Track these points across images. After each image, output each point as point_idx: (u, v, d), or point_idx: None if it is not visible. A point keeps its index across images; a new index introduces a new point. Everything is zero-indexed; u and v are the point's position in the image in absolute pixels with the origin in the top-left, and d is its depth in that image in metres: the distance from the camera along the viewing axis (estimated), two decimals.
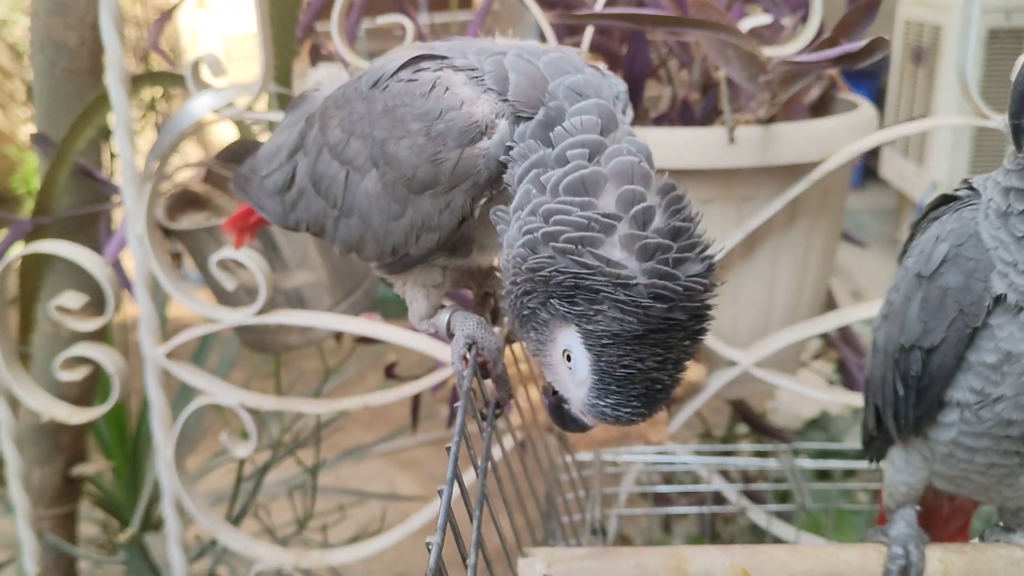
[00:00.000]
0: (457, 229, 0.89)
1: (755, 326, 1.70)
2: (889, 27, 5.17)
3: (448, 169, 0.84)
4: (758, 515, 1.65)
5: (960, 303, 0.84)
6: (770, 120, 1.61)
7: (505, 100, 0.85)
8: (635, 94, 1.67)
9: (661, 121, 1.77)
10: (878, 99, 5.53)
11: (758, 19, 1.48)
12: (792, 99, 1.60)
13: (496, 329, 1.14)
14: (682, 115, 1.72)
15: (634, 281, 0.71)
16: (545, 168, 0.80)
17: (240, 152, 1.18)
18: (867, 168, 5.70)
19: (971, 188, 0.89)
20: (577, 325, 0.74)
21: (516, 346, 1.68)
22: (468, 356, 0.96)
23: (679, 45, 1.77)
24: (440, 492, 0.74)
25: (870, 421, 1.02)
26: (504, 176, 0.85)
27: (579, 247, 0.73)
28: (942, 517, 1.10)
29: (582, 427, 0.86)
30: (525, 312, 0.79)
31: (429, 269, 0.99)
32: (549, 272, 0.75)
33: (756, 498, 1.79)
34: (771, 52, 1.45)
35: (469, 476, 1.41)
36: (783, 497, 1.79)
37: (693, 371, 1.66)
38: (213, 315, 1.69)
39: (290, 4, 1.73)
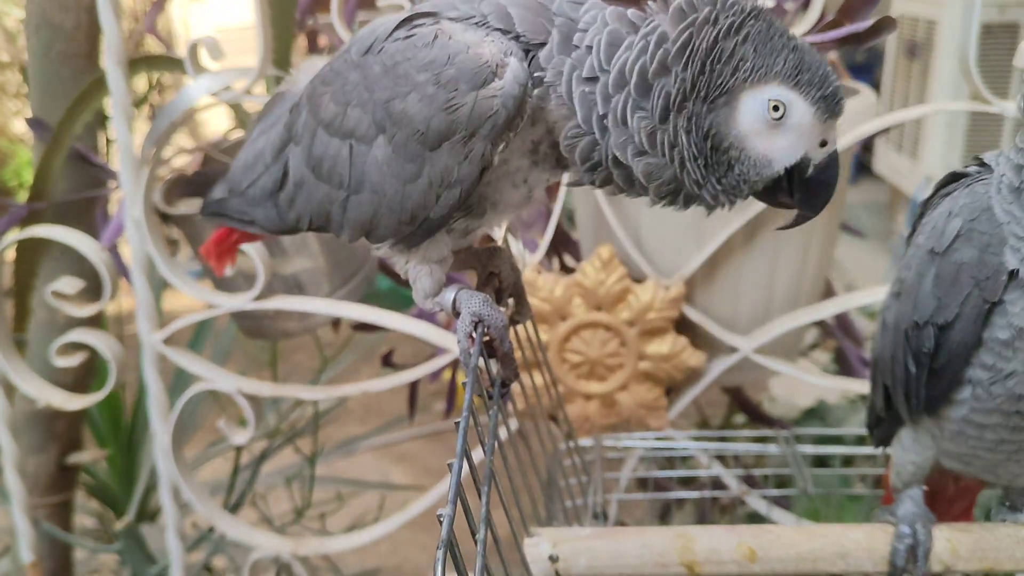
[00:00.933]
0: (478, 182, 0.87)
1: (755, 312, 1.70)
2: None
3: (465, 115, 0.82)
4: (758, 502, 1.65)
5: (976, 278, 0.83)
6: None
7: (514, 37, 0.84)
8: None
9: None
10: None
11: (761, 2, 1.47)
12: None
13: (500, 309, 1.14)
14: None
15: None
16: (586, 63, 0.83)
17: (202, 183, 1.13)
18: (861, 163, 5.71)
19: (982, 164, 0.89)
20: (784, 76, 0.78)
21: (520, 331, 1.68)
22: (474, 334, 0.95)
23: None
24: (450, 465, 0.74)
25: (878, 402, 1.02)
26: (550, 107, 0.85)
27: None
28: (947, 498, 1.10)
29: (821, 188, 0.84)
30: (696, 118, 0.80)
31: (436, 242, 0.97)
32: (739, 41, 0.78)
33: (756, 485, 1.79)
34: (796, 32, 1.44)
35: (474, 456, 1.40)
36: (783, 483, 1.79)
37: (693, 357, 1.66)
38: (211, 300, 1.68)
39: None
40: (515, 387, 1.69)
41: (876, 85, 5.32)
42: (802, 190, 0.85)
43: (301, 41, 2.09)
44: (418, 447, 3.63)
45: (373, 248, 0.99)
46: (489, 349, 0.98)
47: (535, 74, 0.85)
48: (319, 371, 2.24)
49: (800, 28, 1.47)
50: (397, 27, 0.88)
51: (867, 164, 5.44)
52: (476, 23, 0.86)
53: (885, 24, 1.18)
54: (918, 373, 0.90)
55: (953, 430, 0.92)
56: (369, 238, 0.95)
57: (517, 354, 1.62)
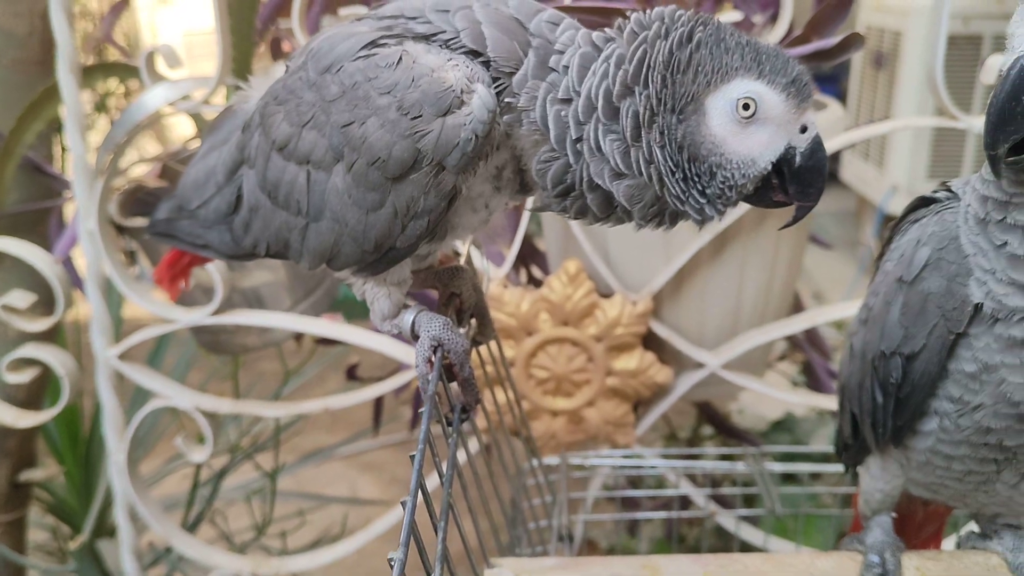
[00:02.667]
0: (447, 211, 0.84)
1: (723, 328, 1.68)
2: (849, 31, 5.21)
3: (431, 142, 0.79)
4: (727, 519, 1.64)
5: (942, 308, 0.82)
6: None
7: (485, 61, 0.82)
8: None
9: None
10: (840, 103, 5.59)
11: (727, 16, 1.46)
12: None
13: (462, 330, 1.11)
14: None
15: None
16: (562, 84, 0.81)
17: (148, 201, 1.08)
18: (828, 171, 5.76)
19: (949, 191, 0.87)
20: (744, 70, 0.77)
21: (483, 348, 1.65)
22: (433, 359, 0.92)
23: None
24: (404, 503, 0.71)
25: (846, 429, 1.00)
26: (519, 133, 0.84)
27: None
28: (916, 522, 1.09)
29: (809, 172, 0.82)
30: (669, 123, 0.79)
31: (398, 265, 0.94)
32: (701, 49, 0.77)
33: (724, 502, 1.77)
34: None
35: (433, 481, 1.37)
36: (751, 501, 1.77)
37: (660, 373, 1.64)
38: (168, 315, 1.64)
39: None
40: (481, 405, 1.66)
41: (843, 95, 5.36)
42: (795, 182, 0.82)
43: (265, 48, 2.04)
44: (386, 456, 3.59)
45: (333, 273, 0.95)
46: (449, 374, 0.96)
47: (505, 100, 0.83)
48: (282, 384, 2.19)
49: (769, 41, 1.46)
50: (362, 48, 0.85)
51: (834, 172, 5.48)
52: (446, 40, 0.83)
53: (852, 41, 1.17)
54: (885, 403, 0.89)
55: (920, 460, 0.91)
56: (330, 265, 0.91)
57: (482, 372, 1.60)
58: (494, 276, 1.65)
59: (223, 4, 1.50)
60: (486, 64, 0.82)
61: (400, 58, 0.82)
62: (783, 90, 0.79)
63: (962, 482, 0.90)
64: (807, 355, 2.07)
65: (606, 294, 1.64)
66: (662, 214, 0.85)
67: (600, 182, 0.82)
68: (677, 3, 1.39)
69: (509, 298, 1.61)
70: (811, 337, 2.08)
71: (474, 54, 0.82)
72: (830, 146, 1.55)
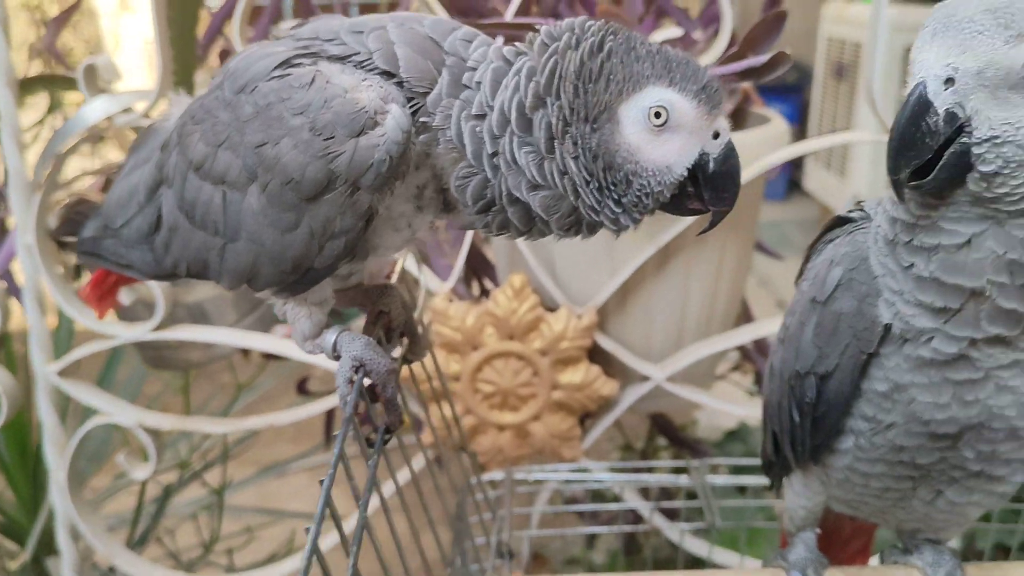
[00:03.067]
0: (364, 231, 0.84)
1: (669, 340, 1.69)
2: (812, 44, 5.28)
3: (344, 163, 0.79)
4: (673, 532, 1.64)
5: (854, 329, 0.82)
6: None
7: (398, 82, 0.82)
8: None
9: None
10: (802, 113, 5.65)
11: (668, 32, 1.47)
12: None
13: (396, 351, 1.10)
14: None
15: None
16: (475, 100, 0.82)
17: (77, 219, 1.06)
18: (791, 180, 5.82)
19: (864, 211, 0.88)
20: (655, 78, 0.78)
21: (428, 362, 1.64)
22: (355, 379, 0.91)
23: None
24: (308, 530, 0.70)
25: (768, 447, 1.00)
26: (437, 152, 0.83)
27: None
28: (843, 537, 1.10)
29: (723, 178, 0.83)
30: (583, 136, 0.79)
31: (319, 285, 0.93)
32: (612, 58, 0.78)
33: (674, 514, 1.77)
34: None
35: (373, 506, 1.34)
36: (699, 514, 1.77)
37: (606, 386, 1.64)
38: (108, 331, 1.61)
39: (190, 5, 1.66)
40: (425, 419, 1.65)
41: (806, 105, 5.42)
42: (710, 188, 0.83)
43: (213, 60, 2.02)
44: (351, 466, 3.55)
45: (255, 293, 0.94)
46: (372, 395, 0.95)
47: (421, 120, 0.83)
48: (232, 400, 2.17)
49: (708, 58, 1.47)
50: (275, 68, 0.84)
51: (797, 181, 5.54)
52: (360, 62, 0.83)
53: (781, 59, 1.18)
54: (802, 422, 0.89)
55: (840, 477, 0.91)
56: (251, 286, 0.90)
57: (425, 386, 1.59)
58: (439, 290, 1.64)
59: (162, 16, 1.49)
60: (400, 84, 0.82)
61: (313, 78, 0.81)
62: (694, 97, 0.79)
63: (880, 499, 0.91)
64: (757, 365, 2.08)
65: (552, 308, 1.64)
66: (580, 224, 0.85)
67: (518, 194, 0.82)
68: (617, 20, 1.40)
69: (454, 313, 1.60)
70: (761, 347, 2.09)
71: (388, 75, 0.82)
72: (772, 160, 1.56)
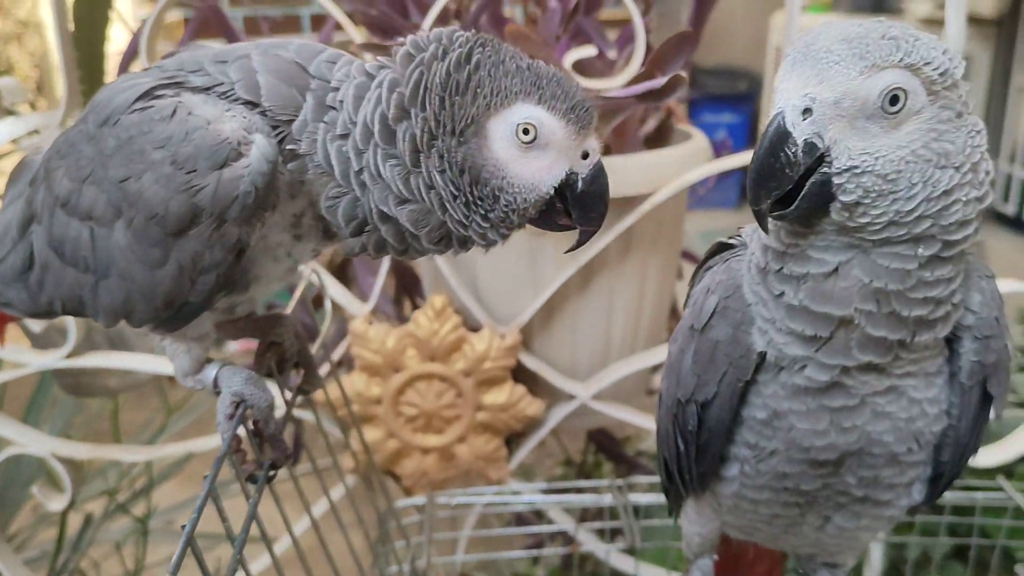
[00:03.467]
0: (236, 263, 0.82)
1: (594, 358, 1.68)
2: (763, 53, 5.34)
3: (208, 196, 0.77)
4: (601, 549, 1.63)
5: (730, 356, 0.82)
6: (606, 153, 1.60)
7: (262, 112, 0.80)
8: None
9: None
10: (753, 122, 5.71)
11: (583, 51, 1.47)
12: (624, 131, 1.59)
13: (291, 380, 1.08)
14: None
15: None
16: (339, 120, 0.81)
17: None
18: (744, 188, 5.86)
19: (742, 238, 0.87)
20: (524, 95, 0.78)
21: (348, 386, 1.62)
22: (235, 416, 0.89)
23: None
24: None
25: (662, 473, 0.99)
26: (308, 178, 0.82)
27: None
28: (748, 561, 1.09)
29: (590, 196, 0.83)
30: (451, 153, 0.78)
31: (196, 321, 0.90)
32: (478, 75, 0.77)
33: (615, 531, 1.76)
34: (596, 85, 1.43)
35: (285, 540, 1.31)
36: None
37: (531, 406, 1.63)
38: (19, 359, 1.57)
39: (96, 24, 1.62)
40: (350, 441, 1.63)
41: (757, 113, 5.48)
42: (577, 207, 0.83)
43: None
44: (304, 484, 3.51)
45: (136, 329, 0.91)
46: (256, 430, 0.93)
47: (288, 147, 0.81)
48: (159, 430, 2.12)
49: (623, 78, 1.47)
50: (137, 99, 0.82)
51: None
52: (223, 92, 0.81)
53: (677, 81, 1.17)
54: (687, 450, 0.89)
55: (729, 504, 0.91)
56: (128, 322, 0.87)
57: (347, 411, 1.57)
58: (358, 313, 1.62)
59: (67, 37, 1.46)
60: (264, 114, 0.80)
61: (175, 110, 0.79)
62: (563, 116, 0.79)
63: (771, 525, 0.91)
64: None
65: (475, 328, 1.62)
66: (449, 238, 0.84)
67: (386, 210, 0.81)
68: (528, 40, 1.39)
69: (374, 335, 1.58)
70: None
71: (251, 104, 0.80)
72: (690, 178, 1.56)
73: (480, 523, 1.83)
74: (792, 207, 0.72)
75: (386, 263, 1.65)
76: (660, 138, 1.79)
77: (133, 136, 0.79)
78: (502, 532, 1.61)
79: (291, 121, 0.81)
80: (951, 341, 0.82)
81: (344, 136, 0.80)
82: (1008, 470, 1.72)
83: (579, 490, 1.71)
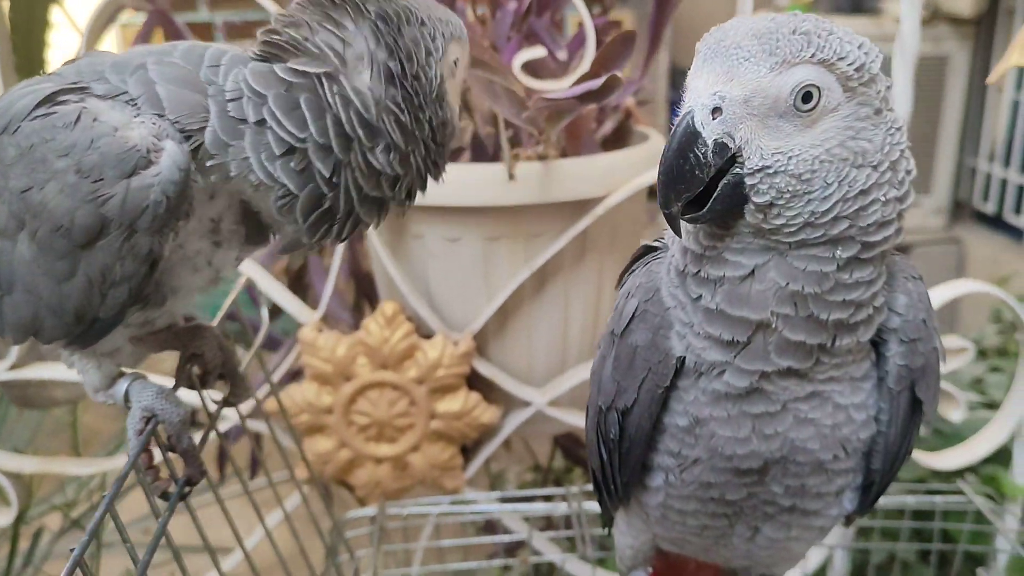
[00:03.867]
0: (150, 275, 0.80)
1: (552, 364, 1.65)
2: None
3: (116, 206, 0.74)
4: (556, 557, 1.60)
5: (649, 362, 0.79)
6: (563, 155, 1.57)
7: (170, 121, 0.78)
8: None
9: (456, 155, 1.71)
10: None
11: (531, 52, 1.44)
12: (577, 133, 1.57)
13: (216, 393, 1.05)
14: (476, 150, 1.66)
15: None
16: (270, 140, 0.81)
17: None
18: None
19: (663, 240, 0.85)
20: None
21: (301, 395, 1.59)
22: (145, 430, 0.86)
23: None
24: None
25: (593, 485, 0.97)
26: (232, 183, 0.81)
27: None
28: (689, 572, 1.06)
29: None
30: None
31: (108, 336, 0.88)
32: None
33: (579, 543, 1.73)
34: (540, 87, 1.41)
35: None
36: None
37: (486, 414, 1.60)
38: None
39: (36, 30, 1.60)
40: (302, 454, 1.60)
41: None
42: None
43: None
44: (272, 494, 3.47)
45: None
46: (170, 445, 0.90)
47: (209, 163, 0.79)
48: (119, 445, 2.09)
49: (569, 80, 1.44)
50: (38, 104, 0.79)
51: None
52: (127, 100, 0.79)
53: (613, 83, 1.15)
54: (610, 459, 0.86)
55: (658, 516, 0.88)
56: (38, 339, 0.84)
57: (301, 419, 1.54)
58: (308, 320, 1.59)
59: (5, 41, 1.43)
60: (173, 123, 0.78)
61: (79, 116, 0.76)
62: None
63: (701, 537, 0.88)
64: None
65: (428, 335, 1.59)
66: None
67: (376, 193, 0.85)
68: (478, 43, 1.36)
69: (323, 343, 1.55)
70: None
71: (156, 115, 0.78)
72: (644, 180, 1.54)
73: (447, 532, 1.80)
74: (704, 210, 0.69)
75: (333, 272, 1.62)
76: (618, 140, 1.77)
77: (35, 144, 0.77)
78: (457, 542, 1.58)
79: (202, 128, 0.78)
80: (877, 345, 0.80)
81: (289, 153, 0.80)
82: (973, 470, 1.70)
83: (536, 498, 1.68)
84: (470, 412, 1.59)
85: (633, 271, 0.86)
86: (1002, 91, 3.93)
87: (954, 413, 1.55)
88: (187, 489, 0.91)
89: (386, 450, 1.60)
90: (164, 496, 0.89)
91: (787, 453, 0.79)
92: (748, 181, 0.68)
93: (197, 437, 0.94)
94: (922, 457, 1.56)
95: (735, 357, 0.74)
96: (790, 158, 0.68)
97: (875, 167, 0.70)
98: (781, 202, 0.68)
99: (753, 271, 0.72)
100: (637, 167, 1.56)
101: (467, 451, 1.70)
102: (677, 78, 5.92)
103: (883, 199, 0.71)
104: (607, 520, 1.00)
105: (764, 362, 0.74)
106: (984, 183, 3.98)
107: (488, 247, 1.55)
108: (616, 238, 1.63)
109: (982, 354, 2.44)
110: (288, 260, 1.91)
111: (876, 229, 0.71)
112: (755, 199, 0.69)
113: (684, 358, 0.77)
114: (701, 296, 0.74)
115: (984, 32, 4.09)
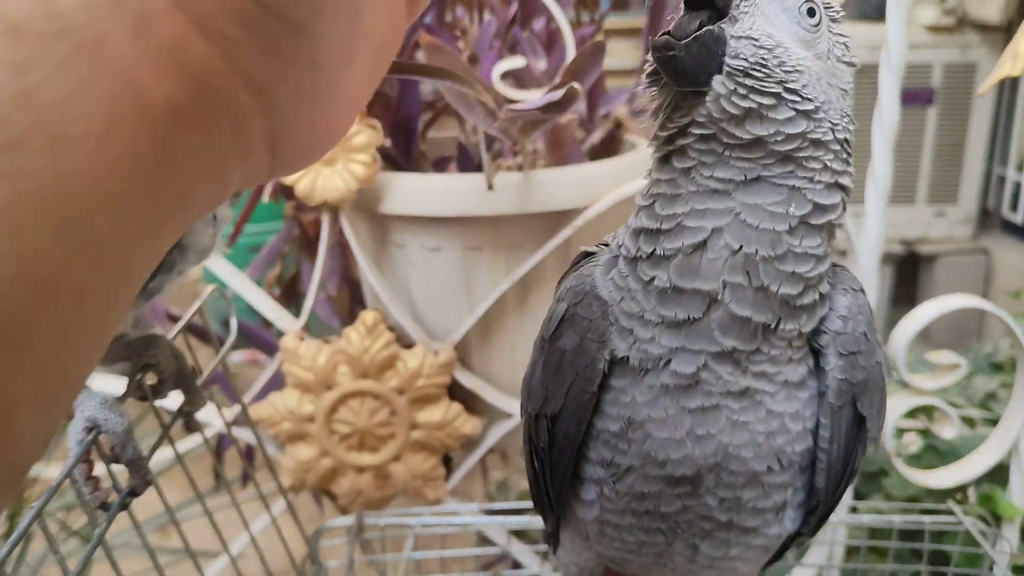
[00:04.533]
0: None
1: None
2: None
3: None
4: (537, 569, 1.59)
5: (576, 366, 0.78)
6: (547, 165, 1.57)
7: None
8: (408, 137, 1.61)
9: (441, 165, 1.72)
10: None
11: (510, 63, 1.44)
12: (559, 143, 1.56)
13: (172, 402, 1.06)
14: (462, 160, 1.66)
15: None
16: None
17: None
18: None
19: (606, 244, 0.84)
20: None
21: (279, 405, 1.60)
22: (87, 440, 0.87)
23: None
24: None
25: (533, 499, 0.95)
26: None
27: None
28: None
29: None
30: None
31: None
32: None
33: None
34: (514, 95, 1.41)
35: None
36: None
37: (467, 424, 1.59)
38: None
39: None
40: (279, 460, 1.60)
41: None
42: None
43: None
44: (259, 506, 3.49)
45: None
46: (113, 455, 0.91)
47: None
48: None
49: (544, 90, 1.44)
50: None
51: None
52: None
53: (572, 93, 1.14)
54: (542, 470, 0.85)
55: (595, 532, 0.86)
56: None
57: (282, 427, 1.54)
58: (288, 329, 1.60)
59: None
60: None
61: None
62: None
63: (639, 555, 0.86)
64: None
65: (409, 344, 1.59)
66: None
67: None
68: (445, 49, 1.36)
69: (304, 352, 1.56)
70: None
71: None
72: (626, 191, 1.52)
73: (440, 543, 1.80)
74: (683, 43, 0.66)
75: (317, 278, 1.62)
76: (608, 150, 1.76)
77: None
78: (442, 554, 1.57)
79: None
80: (817, 355, 0.78)
81: None
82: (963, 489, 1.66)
83: (523, 511, 1.67)
84: (451, 423, 1.59)
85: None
86: None
87: (947, 430, 1.51)
88: (128, 500, 0.91)
89: (368, 459, 1.60)
90: (104, 507, 0.89)
91: (720, 460, 0.77)
92: (732, 43, 0.67)
93: (146, 447, 0.95)
94: (915, 475, 1.52)
95: (687, 340, 0.73)
96: (781, 46, 0.67)
97: (834, 124, 0.70)
98: (756, 76, 0.66)
99: (706, 242, 0.70)
100: (621, 176, 1.55)
101: (451, 461, 1.69)
102: None
103: (834, 155, 0.71)
104: (548, 536, 0.99)
105: (708, 341, 0.72)
106: (1013, 192, 3.89)
107: (469, 257, 1.55)
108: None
109: (997, 368, 2.38)
110: (281, 269, 1.92)
111: (824, 189, 0.71)
112: (731, 62, 0.66)
113: (627, 357, 0.76)
114: (655, 278, 0.73)
115: (1013, 39, 4.01)
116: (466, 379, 1.60)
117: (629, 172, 1.57)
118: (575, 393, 0.78)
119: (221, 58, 0.32)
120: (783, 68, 0.67)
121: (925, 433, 1.85)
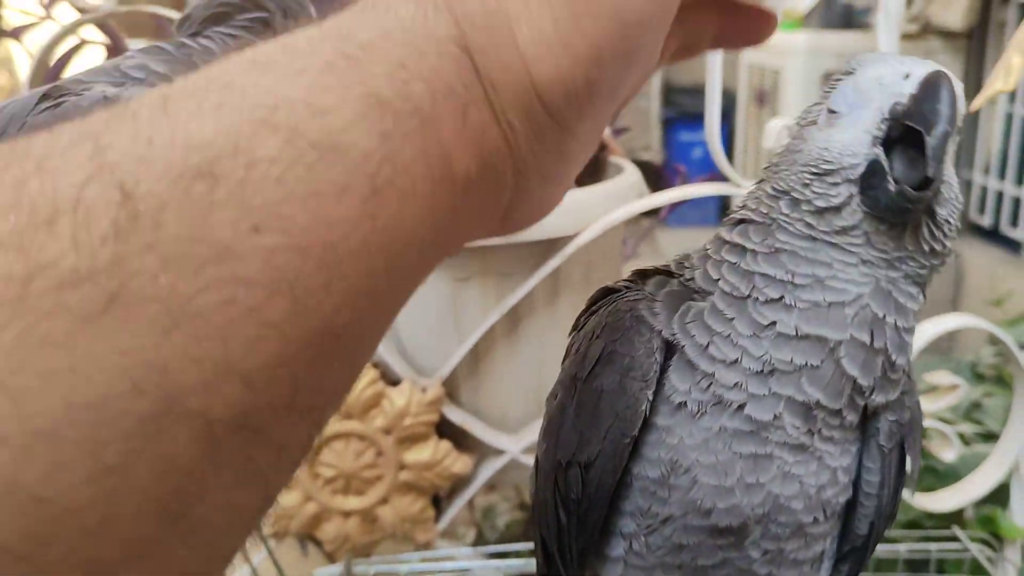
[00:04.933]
0: None
1: (526, 409, 1.58)
2: (734, 71, 5.27)
3: None
4: None
5: (615, 408, 0.72)
6: None
7: None
8: None
9: None
10: (729, 139, 5.64)
11: None
12: None
13: None
14: None
15: None
16: None
17: None
18: (723, 203, 5.79)
19: (630, 281, 0.78)
20: None
21: None
22: None
23: None
24: None
25: (539, 554, 0.89)
26: None
27: None
28: None
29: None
30: None
31: None
32: None
33: None
34: None
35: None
36: None
37: (457, 463, 1.53)
38: None
39: None
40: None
41: (732, 130, 5.41)
42: None
43: None
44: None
45: None
46: None
47: None
48: None
49: None
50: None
51: (728, 204, 5.51)
52: None
53: None
54: (568, 523, 0.78)
55: None
56: None
57: None
58: None
59: None
60: None
61: None
62: None
63: None
64: None
65: (395, 381, 1.53)
66: None
67: None
68: None
69: None
70: None
71: None
72: (617, 217, 1.47)
73: None
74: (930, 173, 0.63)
75: None
76: (594, 173, 1.71)
77: None
78: None
79: None
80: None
81: None
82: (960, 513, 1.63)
83: (518, 553, 1.61)
84: (440, 462, 1.52)
85: (594, 312, 0.79)
86: (995, 103, 3.87)
87: (947, 453, 1.48)
88: None
89: (354, 503, 1.53)
90: None
91: (769, 511, 0.72)
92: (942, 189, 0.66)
93: None
94: (917, 499, 1.49)
95: (775, 384, 0.68)
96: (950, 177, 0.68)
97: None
98: (946, 228, 0.67)
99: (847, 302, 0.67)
100: (611, 201, 1.50)
101: (440, 502, 1.63)
102: (670, 96, 5.90)
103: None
104: None
105: (796, 390, 0.67)
106: (980, 195, 3.93)
107: (457, 288, 1.49)
108: (591, 276, 1.56)
109: (980, 378, 2.37)
110: None
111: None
112: (939, 208, 0.66)
113: (684, 402, 0.70)
114: (775, 322, 0.68)
115: (976, 45, 4.05)
116: (455, 415, 1.54)
117: (616, 197, 1.52)
118: (612, 437, 0.72)
119: (505, 143, 0.40)
120: (957, 202, 0.68)
121: (923, 455, 1.82)
